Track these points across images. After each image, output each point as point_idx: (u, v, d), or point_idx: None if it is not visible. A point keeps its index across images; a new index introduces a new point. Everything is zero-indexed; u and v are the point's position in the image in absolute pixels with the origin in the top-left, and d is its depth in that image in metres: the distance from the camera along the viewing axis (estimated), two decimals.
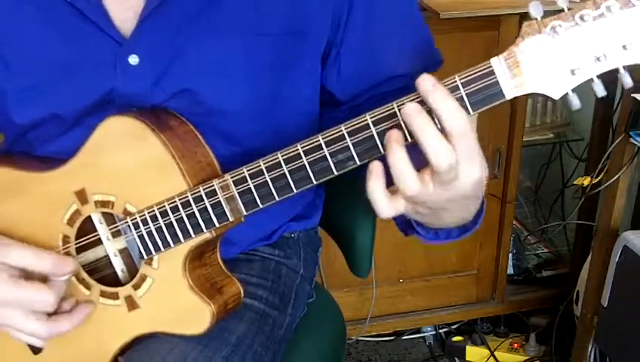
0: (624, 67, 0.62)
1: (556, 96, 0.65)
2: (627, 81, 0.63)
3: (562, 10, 0.62)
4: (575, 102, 0.64)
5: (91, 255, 0.87)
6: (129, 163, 0.81)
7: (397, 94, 0.94)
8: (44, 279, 0.82)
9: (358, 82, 0.94)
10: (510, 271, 2.06)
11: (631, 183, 1.70)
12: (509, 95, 0.65)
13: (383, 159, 0.68)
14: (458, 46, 1.74)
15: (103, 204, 0.83)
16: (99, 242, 0.86)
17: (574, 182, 1.90)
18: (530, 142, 2.06)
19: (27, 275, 0.81)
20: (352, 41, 0.92)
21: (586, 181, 1.71)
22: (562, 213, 2.26)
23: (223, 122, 0.88)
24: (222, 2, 0.85)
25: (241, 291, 0.88)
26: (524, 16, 1.71)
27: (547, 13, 0.64)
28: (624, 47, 0.61)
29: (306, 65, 0.91)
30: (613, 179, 1.59)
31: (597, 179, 1.67)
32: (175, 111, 0.84)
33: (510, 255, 2.03)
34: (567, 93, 0.64)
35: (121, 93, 0.85)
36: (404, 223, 0.81)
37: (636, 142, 1.49)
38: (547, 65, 0.64)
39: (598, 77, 0.63)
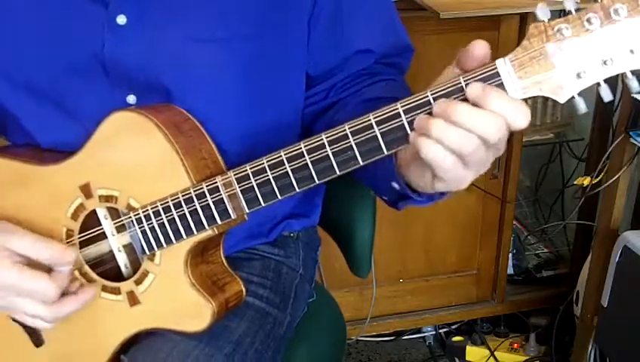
0: (631, 72, 0.61)
1: (562, 100, 0.64)
2: (634, 85, 0.61)
3: (569, 13, 0.61)
4: (581, 105, 0.63)
5: (95, 250, 0.87)
6: (133, 158, 0.81)
7: (368, 82, 0.94)
8: (48, 269, 0.82)
9: (326, 52, 0.94)
10: (510, 271, 2.05)
11: (631, 183, 1.70)
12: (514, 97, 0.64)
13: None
14: (458, 46, 1.73)
15: (107, 198, 0.83)
16: (103, 237, 0.86)
17: (574, 182, 1.89)
18: (530, 142, 2.06)
19: (32, 264, 0.81)
20: (321, 11, 0.91)
21: (586, 181, 1.71)
22: (562, 213, 2.25)
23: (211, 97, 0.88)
24: None
25: (244, 290, 0.88)
26: (525, 17, 1.71)
27: (553, 14, 0.63)
28: (632, 51, 0.60)
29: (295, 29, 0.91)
30: (613, 179, 1.59)
31: (597, 179, 1.67)
32: (181, 108, 0.84)
33: (510, 255, 2.02)
34: (573, 97, 0.63)
35: (112, 57, 0.85)
36: (396, 197, 0.81)
37: (636, 142, 1.50)
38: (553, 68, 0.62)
39: (605, 81, 0.62)
